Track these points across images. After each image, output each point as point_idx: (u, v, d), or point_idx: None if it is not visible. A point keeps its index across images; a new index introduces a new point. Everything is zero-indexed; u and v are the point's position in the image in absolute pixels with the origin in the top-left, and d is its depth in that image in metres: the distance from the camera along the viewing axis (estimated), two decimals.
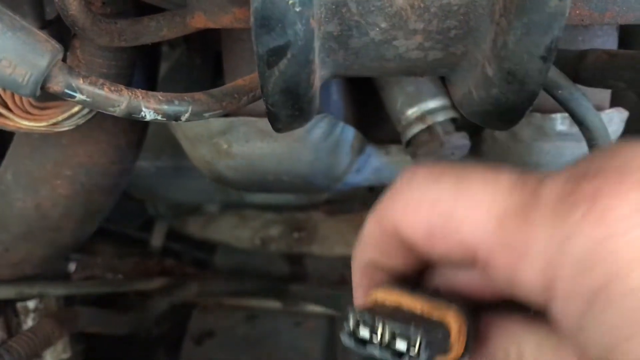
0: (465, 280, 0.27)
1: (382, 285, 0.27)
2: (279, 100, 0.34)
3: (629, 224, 0.21)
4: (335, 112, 0.58)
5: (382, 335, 0.25)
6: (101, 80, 0.35)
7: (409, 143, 0.59)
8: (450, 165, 0.26)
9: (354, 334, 0.25)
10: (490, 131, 0.58)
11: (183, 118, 0.36)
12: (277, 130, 0.38)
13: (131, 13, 0.43)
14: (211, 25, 0.39)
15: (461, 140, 0.57)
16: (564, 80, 0.41)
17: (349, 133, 0.59)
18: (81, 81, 0.34)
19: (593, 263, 0.21)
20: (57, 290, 0.83)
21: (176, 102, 0.36)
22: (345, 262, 1.15)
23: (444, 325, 0.25)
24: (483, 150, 0.60)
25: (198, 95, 0.37)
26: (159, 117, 0.35)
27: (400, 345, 0.24)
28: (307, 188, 0.62)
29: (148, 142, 0.84)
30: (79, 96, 0.34)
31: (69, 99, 0.35)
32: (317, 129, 0.55)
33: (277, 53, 0.32)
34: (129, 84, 0.47)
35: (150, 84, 0.59)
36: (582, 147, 0.56)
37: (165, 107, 0.35)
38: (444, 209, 0.25)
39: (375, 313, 0.25)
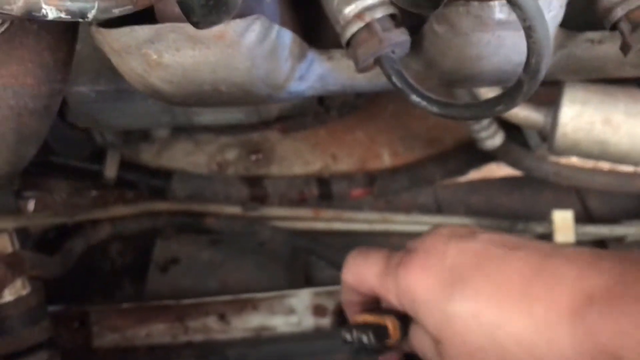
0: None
1: (358, 313, 0.55)
2: None
3: (417, 278, 0.49)
4: (270, 15, 0.56)
5: (356, 336, 0.53)
6: None
7: (348, 44, 0.57)
8: (366, 250, 0.55)
9: (344, 338, 0.53)
10: (429, 26, 0.56)
11: (90, 15, 0.34)
12: (195, 24, 0.36)
13: None
14: None
15: (401, 36, 0.55)
16: None
17: (286, 37, 0.57)
18: None
19: (404, 295, 0.50)
20: (8, 223, 0.81)
21: None
22: (304, 181, 1.15)
23: (385, 326, 0.52)
24: (424, 46, 0.59)
25: None
26: (63, 15, 0.33)
27: (364, 339, 0.52)
28: (248, 98, 0.60)
29: (85, 66, 0.81)
30: None
31: None
32: (250, 32, 0.52)
33: None
34: None
35: None
36: (523, 36, 0.55)
37: (68, 3, 0.33)
38: (359, 274, 0.54)
39: (352, 327, 0.53)
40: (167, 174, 1.10)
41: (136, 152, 1.10)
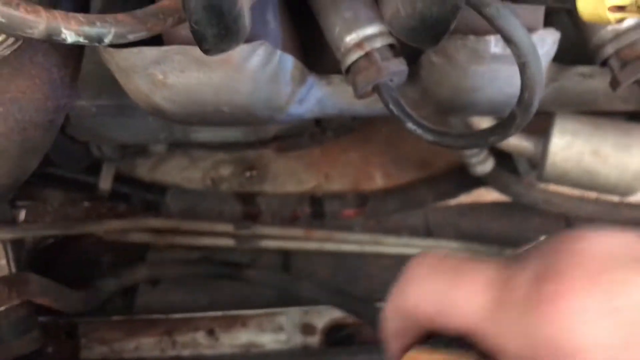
0: None
1: (411, 348, 0.35)
2: (202, 18, 0.33)
3: (579, 326, 0.28)
4: (273, 41, 0.57)
5: None
6: (16, 0, 0.33)
7: (348, 71, 0.59)
8: (447, 258, 0.34)
9: None
10: (427, 57, 0.58)
11: (106, 40, 0.35)
12: (206, 52, 0.37)
13: None
14: None
15: (399, 66, 0.57)
16: None
17: (288, 62, 0.58)
18: None
19: (552, 354, 0.28)
20: (4, 234, 0.82)
21: (98, 23, 0.35)
22: (297, 199, 1.16)
23: None
24: (421, 76, 0.61)
25: (121, 16, 0.36)
26: (81, 39, 0.34)
27: None
28: (249, 120, 0.62)
29: (87, 81, 0.82)
30: None
31: None
32: (254, 57, 0.54)
33: None
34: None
35: (80, 11, 0.57)
36: (516, 70, 0.57)
37: (86, 28, 0.35)
38: (443, 300, 0.33)
39: None
40: (161, 189, 1.11)
41: (131, 166, 1.11)
